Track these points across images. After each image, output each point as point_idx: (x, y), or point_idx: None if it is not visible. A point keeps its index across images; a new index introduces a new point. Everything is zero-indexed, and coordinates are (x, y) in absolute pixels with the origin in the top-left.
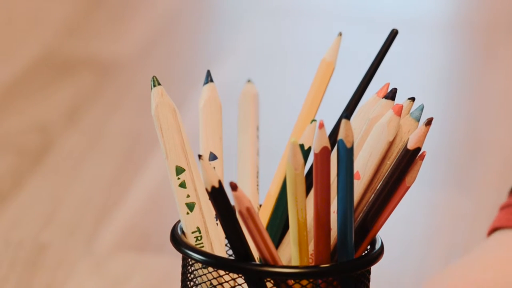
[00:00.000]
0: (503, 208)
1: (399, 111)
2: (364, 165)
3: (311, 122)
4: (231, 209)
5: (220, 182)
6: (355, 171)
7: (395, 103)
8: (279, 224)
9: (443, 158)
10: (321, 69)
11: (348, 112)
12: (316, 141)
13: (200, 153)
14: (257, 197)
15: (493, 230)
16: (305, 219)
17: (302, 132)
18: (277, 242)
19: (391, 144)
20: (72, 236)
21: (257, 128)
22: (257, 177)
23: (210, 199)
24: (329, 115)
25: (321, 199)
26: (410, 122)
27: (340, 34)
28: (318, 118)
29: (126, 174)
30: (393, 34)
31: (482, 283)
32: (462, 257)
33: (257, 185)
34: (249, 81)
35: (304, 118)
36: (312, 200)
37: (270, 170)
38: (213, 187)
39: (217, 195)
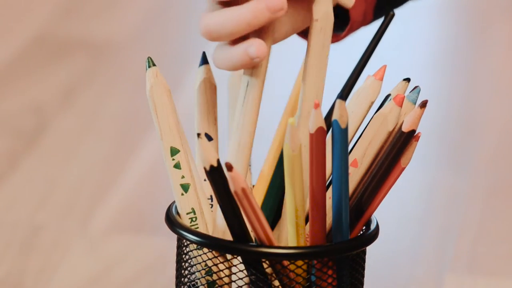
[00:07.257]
0: None
1: (400, 102)
2: (362, 153)
3: None
4: (228, 189)
5: (218, 161)
6: (353, 159)
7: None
8: (273, 204)
9: (438, 138)
10: None
11: (344, 94)
12: (312, 122)
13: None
14: (249, 178)
15: None
16: (302, 200)
17: (294, 111)
18: (272, 222)
19: (390, 134)
20: (67, 217)
21: None
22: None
23: (208, 178)
24: (325, 98)
25: (317, 180)
26: (407, 105)
27: None
28: None
29: (121, 155)
30: (390, 17)
31: None
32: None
33: (249, 166)
34: None
35: (295, 97)
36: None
37: (262, 150)
38: (211, 166)
39: (215, 174)
